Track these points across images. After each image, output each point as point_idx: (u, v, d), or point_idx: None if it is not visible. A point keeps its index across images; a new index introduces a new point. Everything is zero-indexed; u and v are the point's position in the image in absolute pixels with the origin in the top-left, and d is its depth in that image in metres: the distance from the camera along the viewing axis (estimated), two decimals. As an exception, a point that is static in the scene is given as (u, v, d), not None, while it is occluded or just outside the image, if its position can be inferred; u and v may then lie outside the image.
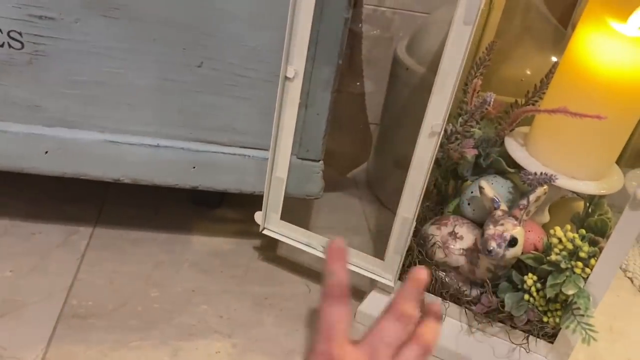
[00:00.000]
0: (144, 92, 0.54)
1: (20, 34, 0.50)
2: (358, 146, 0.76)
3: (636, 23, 0.48)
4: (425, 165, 0.50)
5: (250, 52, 0.53)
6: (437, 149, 0.49)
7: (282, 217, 0.60)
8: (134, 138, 0.56)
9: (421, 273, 0.37)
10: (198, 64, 0.53)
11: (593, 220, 0.54)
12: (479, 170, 0.59)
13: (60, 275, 0.59)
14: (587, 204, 0.56)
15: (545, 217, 0.59)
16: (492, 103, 0.52)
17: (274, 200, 0.59)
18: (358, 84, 0.79)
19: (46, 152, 0.55)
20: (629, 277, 0.76)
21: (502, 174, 0.58)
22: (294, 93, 0.53)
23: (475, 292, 0.56)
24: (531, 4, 0.71)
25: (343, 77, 0.71)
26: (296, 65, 0.51)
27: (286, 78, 0.52)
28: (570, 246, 0.50)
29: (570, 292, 0.49)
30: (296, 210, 0.74)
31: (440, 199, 0.65)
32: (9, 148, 0.55)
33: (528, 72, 0.69)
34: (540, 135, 0.55)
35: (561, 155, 0.54)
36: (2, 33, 0.50)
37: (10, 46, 0.51)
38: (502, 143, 0.58)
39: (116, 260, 0.63)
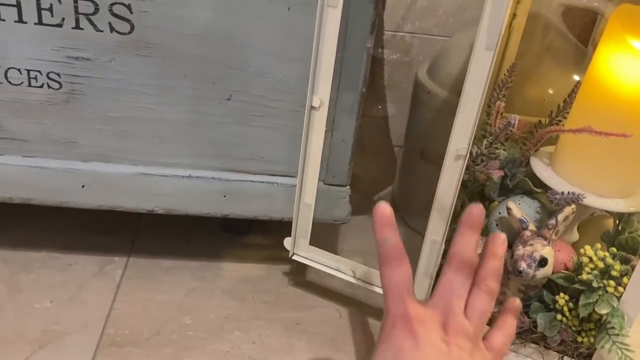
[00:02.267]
0: (175, 125, 0.56)
1: (58, 74, 0.53)
2: (382, 169, 0.77)
3: (657, 41, 0.49)
4: (452, 188, 0.51)
5: (276, 84, 0.55)
6: (463, 171, 0.50)
7: (310, 242, 0.61)
8: (166, 170, 0.58)
9: (476, 211, 0.36)
10: (227, 97, 0.55)
11: (624, 238, 0.53)
12: (506, 191, 0.60)
13: (97, 305, 0.60)
14: (617, 222, 0.56)
15: (575, 236, 0.59)
16: (516, 125, 0.52)
17: (303, 226, 0.60)
18: (380, 107, 0.81)
19: (83, 187, 0.57)
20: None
21: (529, 194, 0.58)
22: (319, 121, 0.54)
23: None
24: (550, 24, 0.72)
25: (365, 102, 0.72)
26: (321, 95, 0.53)
27: (312, 107, 0.53)
28: (601, 265, 0.50)
29: (603, 312, 0.48)
30: (324, 235, 0.75)
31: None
32: (48, 183, 0.57)
33: (550, 92, 0.69)
34: (566, 155, 0.56)
35: (588, 173, 0.54)
36: (42, 75, 0.52)
37: (49, 87, 0.53)
38: (528, 163, 0.58)
39: (150, 289, 0.64)
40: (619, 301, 0.49)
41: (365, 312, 0.65)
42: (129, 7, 0.50)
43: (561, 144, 0.56)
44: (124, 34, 0.51)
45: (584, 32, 0.78)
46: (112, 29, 0.51)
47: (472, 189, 0.61)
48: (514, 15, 0.62)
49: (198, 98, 0.55)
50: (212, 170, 0.59)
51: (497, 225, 0.58)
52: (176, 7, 0.51)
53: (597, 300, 0.49)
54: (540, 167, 0.57)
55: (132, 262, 0.68)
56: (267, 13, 0.52)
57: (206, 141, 0.57)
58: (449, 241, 0.57)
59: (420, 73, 0.78)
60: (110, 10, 0.50)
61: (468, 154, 0.49)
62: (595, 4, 0.72)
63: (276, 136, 0.57)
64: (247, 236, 0.74)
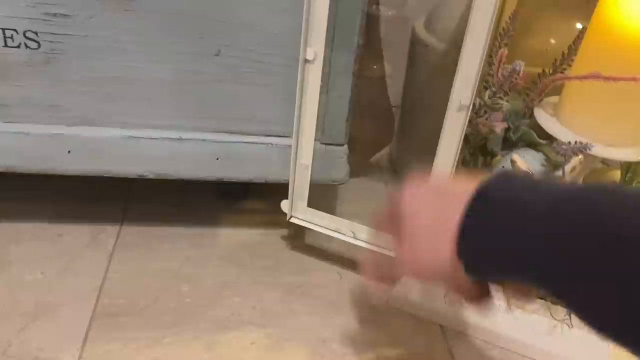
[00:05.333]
0: (162, 85, 0.54)
1: (36, 33, 0.50)
2: (381, 130, 0.75)
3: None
4: (455, 141, 0.49)
5: (267, 37, 0.52)
6: (466, 123, 0.48)
7: (309, 205, 0.59)
8: (155, 132, 0.56)
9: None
10: (215, 53, 0.52)
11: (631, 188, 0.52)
12: (509, 144, 0.58)
13: (90, 275, 0.59)
14: (625, 172, 0.54)
15: (580, 189, 0.57)
16: (521, 71, 0.50)
17: (300, 188, 0.58)
18: (376, 67, 0.78)
19: (69, 152, 0.55)
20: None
21: (534, 146, 0.56)
22: (314, 76, 0.51)
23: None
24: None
25: (362, 61, 0.69)
26: (315, 47, 0.50)
27: (306, 61, 0.51)
28: (610, 216, 0.48)
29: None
30: (321, 198, 0.73)
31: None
32: (32, 150, 0.54)
33: (553, 41, 0.67)
34: (571, 104, 0.54)
35: (595, 122, 0.52)
36: (18, 34, 0.49)
37: (27, 46, 0.50)
38: (532, 115, 0.56)
39: (145, 257, 0.62)
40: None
41: (366, 274, 0.63)
42: (107, -43, 0.47)
43: (566, 94, 0.54)
44: (104, -13, 0.48)
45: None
46: (90, -18, 0.48)
47: (474, 143, 0.58)
48: (514, -41, 0.59)
49: (185, 54, 0.52)
50: (203, 132, 0.56)
51: (501, 179, 0.56)
52: (157, -44, 0.48)
53: (606, 252, 0.47)
54: (544, 118, 0.55)
55: (124, 231, 0.66)
56: (256, -40, 0.48)
57: (196, 101, 0.55)
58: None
59: (417, 27, 0.75)
60: (87, -38, 0.47)
61: (471, 105, 0.47)
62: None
63: (269, 94, 0.55)
64: (243, 201, 0.72)
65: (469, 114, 0.50)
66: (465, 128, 0.48)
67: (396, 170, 0.84)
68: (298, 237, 0.68)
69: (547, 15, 0.67)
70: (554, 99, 0.57)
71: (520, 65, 0.50)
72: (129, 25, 0.50)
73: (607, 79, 0.47)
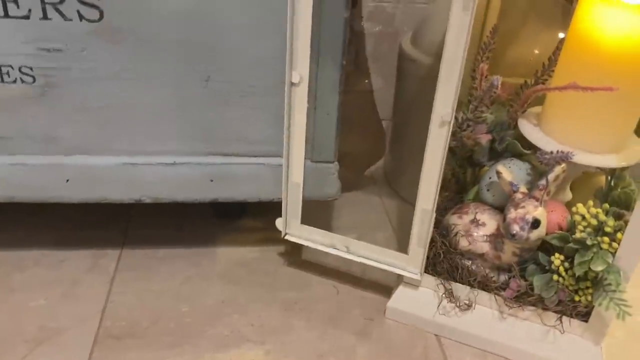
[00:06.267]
0: (155, 111, 0.55)
1: (31, 68, 0.51)
2: (372, 143, 0.76)
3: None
4: (439, 156, 0.50)
5: (254, 62, 0.53)
6: (449, 138, 0.49)
7: (304, 220, 0.61)
8: (150, 158, 0.57)
9: None
10: (205, 79, 0.54)
11: (616, 194, 0.53)
12: (495, 154, 0.59)
13: (93, 299, 0.60)
14: (609, 178, 0.55)
15: (568, 195, 0.58)
16: (499, 86, 0.51)
17: (293, 206, 0.59)
18: (366, 81, 0.79)
19: (67, 181, 0.57)
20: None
21: (519, 156, 0.57)
22: (301, 98, 0.53)
23: (503, 278, 0.56)
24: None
25: (350, 77, 0.71)
26: (300, 70, 0.52)
27: (292, 84, 0.52)
28: (594, 222, 0.50)
29: (599, 269, 0.48)
30: (317, 213, 0.75)
31: (459, 188, 0.64)
32: (30, 180, 0.56)
33: (536, 52, 0.68)
34: (553, 114, 0.55)
35: (577, 131, 0.53)
36: (13, 69, 0.51)
37: (22, 81, 0.52)
38: (516, 125, 0.58)
39: (145, 279, 0.64)
40: (614, 257, 0.49)
41: (362, 286, 0.65)
42: (96, -8, 0.49)
43: (548, 103, 0.55)
44: (94, 21, 0.50)
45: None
46: (81, 17, 0.50)
47: (461, 155, 0.60)
48: (493, -25, 0.61)
49: (176, 81, 0.54)
50: (196, 156, 0.58)
51: (487, 190, 0.57)
52: (143, -10, 0.49)
53: (592, 257, 0.49)
54: (528, 128, 0.56)
55: (125, 254, 0.67)
56: (239, -11, 0.50)
57: (188, 126, 0.56)
58: (439, 209, 0.57)
59: (404, 42, 0.77)
60: (77, -2, 0.49)
61: (453, 120, 0.49)
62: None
63: (259, 116, 0.56)
64: (240, 220, 0.74)
65: (452, 128, 0.52)
66: (448, 142, 0.49)
67: (390, 182, 0.85)
68: (295, 253, 0.69)
69: (530, 26, 0.69)
70: (537, 109, 0.58)
71: (498, 79, 0.52)
72: (120, 56, 0.52)
73: (584, 89, 0.49)
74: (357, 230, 0.73)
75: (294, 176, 0.57)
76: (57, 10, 0.49)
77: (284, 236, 0.61)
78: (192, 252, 0.68)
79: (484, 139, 0.56)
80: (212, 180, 0.58)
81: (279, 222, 0.61)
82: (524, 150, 0.56)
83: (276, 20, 0.51)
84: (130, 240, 0.69)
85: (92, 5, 0.49)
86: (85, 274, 0.64)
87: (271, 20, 0.51)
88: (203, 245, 0.69)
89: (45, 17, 0.49)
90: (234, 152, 0.58)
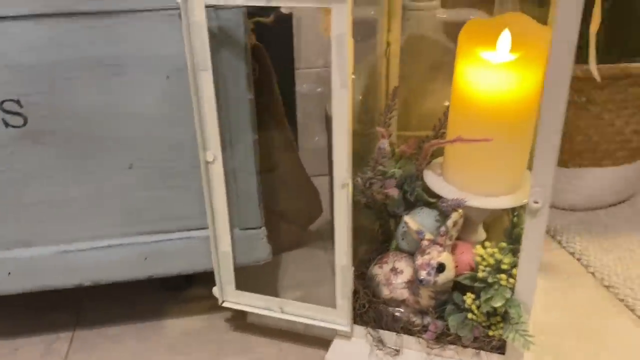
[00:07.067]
0: (87, 201, 0.60)
1: (-37, 174, 0.56)
2: (307, 201, 0.81)
3: (504, 47, 0.54)
4: (345, 215, 0.55)
5: (173, 146, 0.58)
6: (350, 198, 0.54)
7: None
8: (86, 244, 0.61)
9: None
10: (129, 166, 0.59)
11: (517, 231, 0.57)
12: (409, 205, 0.63)
13: (44, 384, 0.63)
14: (511, 217, 0.59)
15: (481, 236, 0.62)
16: (386, 148, 0.56)
17: (226, 273, 0.63)
18: (292, 143, 0.83)
19: (9, 274, 0.60)
20: (591, 272, 0.78)
21: (428, 205, 0.62)
22: (217, 174, 0.58)
23: (427, 320, 0.59)
24: (437, 42, 0.76)
25: (275, 142, 0.76)
26: (213, 150, 0.56)
27: (207, 162, 0.57)
28: (492, 261, 0.54)
29: (497, 305, 0.52)
30: (263, 275, 0.78)
31: (386, 238, 0.68)
32: (-26, 277, 0.59)
33: (446, 104, 0.74)
34: (451, 164, 0.60)
35: (473, 177, 0.58)
36: (-52, 178, 0.56)
37: (-43, 187, 0.56)
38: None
39: (97, 358, 0.66)
40: (513, 292, 0.53)
41: (304, 343, 0.68)
42: (18, 102, 0.54)
43: (446, 154, 0.60)
44: (19, 126, 0.55)
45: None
46: (6, 124, 0.55)
47: (378, 208, 0.64)
48: (387, 44, 0.67)
49: (102, 172, 0.58)
50: (128, 237, 0.62)
51: (402, 239, 0.61)
52: (63, 94, 0.55)
53: (493, 295, 0.52)
54: (432, 178, 0.61)
55: (77, 335, 0.70)
56: (149, 84, 0.56)
57: (118, 211, 0.60)
58: (365, 262, 0.61)
59: (328, 105, 0.83)
60: (1, 107, 0.54)
61: (351, 182, 0.53)
62: (472, 17, 0.77)
63: (183, 194, 0.61)
64: (188, 290, 0.77)
65: (360, 186, 0.56)
66: (351, 202, 0.54)
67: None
68: (240, 318, 0.72)
69: (436, 81, 0.75)
70: (441, 159, 0.63)
71: (385, 143, 0.57)
72: (47, 155, 0.57)
73: (466, 141, 0.54)
74: (303, 287, 0.77)
75: (222, 246, 0.61)
76: (-16, 120, 0.54)
77: (222, 303, 0.65)
78: (141, 326, 0.71)
79: (393, 192, 0.60)
80: (146, 259, 0.62)
81: (216, 291, 0.64)
82: (430, 199, 0.61)
83: (186, 108, 0.56)
84: (82, 321, 0.72)
85: (16, 113, 0.54)
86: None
87: (182, 109, 0.57)
88: (153, 319, 0.72)
89: (-27, 127, 0.54)
90: (164, 229, 0.62)
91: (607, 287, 0.75)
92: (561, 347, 0.65)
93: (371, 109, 0.73)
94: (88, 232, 0.61)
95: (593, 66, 0.48)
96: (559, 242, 0.85)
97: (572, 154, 0.88)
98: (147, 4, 0.52)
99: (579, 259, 0.81)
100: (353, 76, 0.87)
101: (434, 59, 0.75)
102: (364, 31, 0.84)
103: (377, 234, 0.68)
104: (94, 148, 0.57)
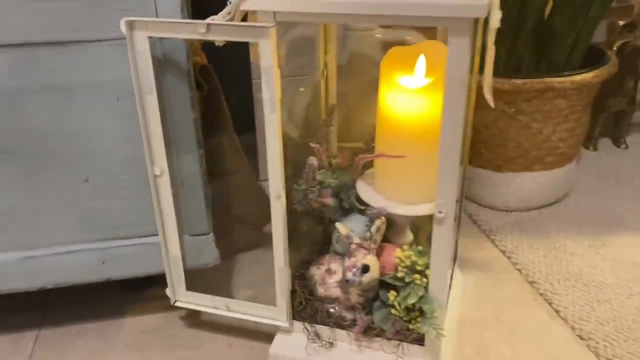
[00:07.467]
0: (47, 211, 0.65)
1: None
2: (257, 204, 0.87)
3: (420, 72, 0.61)
4: (280, 223, 0.61)
5: (123, 161, 0.64)
6: (285, 208, 0.60)
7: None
8: (46, 250, 0.67)
9: None
10: (85, 179, 0.64)
11: (436, 235, 0.64)
12: (345, 211, 0.70)
13: (10, 379, 0.68)
14: (413, 229, 0.67)
15: (407, 238, 0.69)
16: (315, 165, 0.63)
17: (177, 276, 0.69)
18: (241, 152, 0.89)
19: (-25, 278, 0.66)
20: (518, 269, 0.85)
21: (360, 212, 0.68)
22: (165, 186, 0.64)
23: (357, 316, 0.66)
24: (375, 61, 0.83)
25: (225, 152, 0.82)
26: (161, 164, 0.62)
27: (155, 176, 0.63)
28: (408, 262, 0.60)
29: (411, 302, 0.58)
30: (219, 274, 0.84)
31: (328, 242, 0.75)
32: (-58, 282, 0.65)
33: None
34: (380, 174, 0.66)
35: (397, 187, 0.64)
36: None
37: None
38: (358, 186, 0.69)
39: (60, 355, 0.72)
40: (426, 290, 0.60)
41: (253, 338, 0.74)
42: (-22, 123, 0.60)
43: (375, 166, 0.67)
44: (-20, 146, 0.60)
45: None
46: (-31, 144, 0.60)
47: (317, 215, 0.71)
48: (325, 65, 0.73)
49: (60, 185, 0.64)
50: (87, 243, 0.67)
51: (337, 242, 0.68)
52: (23, 116, 0.60)
53: (409, 293, 0.59)
54: (363, 188, 0.67)
55: (42, 334, 0.76)
56: (101, 105, 0.61)
57: (77, 219, 0.66)
58: (305, 263, 0.68)
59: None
60: (-36, 129, 0.59)
61: (284, 193, 0.60)
62: (407, 37, 0.84)
63: (136, 203, 0.67)
64: (147, 290, 0.83)
65: (299, 196, 0.63)
66: (285, 211, 0.60)
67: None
68: (195, 315, 0.78)
69: (373, 96, 0.81)
70: (372, 170, 0.70)
71: (313, 160, 0.63)
72: (7, 170, 0.62)
73: (386, 156, 0.61)
74: (255, 287, 0.83)
75: (172, 250, 0.67)
76: (-52, 140, 0.59)
77: (174, 303, 0.71)
78: (103, 324, 0.77)
79: (329, 201, 0.67)
80: (103, 263, 0.68)
81: (169, 291, 0.70)
82: (360, 207, 0.67)
83: (138, 128, 0.62)
84: (47, 321, 0.78)
85: (-26, 144, 0.60)
86: (5, 356, 0.71)
87: (132, 127, 0.62)
88: (113, 318, 0.78)
89: (-62, 147, 0.59)
90: (119, 236, 0.68)
91: (531, 282, 0.82)
92: (482, 338, 0.73)
93: (313, 121, 0.80)
94: (49, 239, 0.67)
95: (489, 97, 0.55)
96: (493, 241, 0.92)
97: (505, 160, 0.95)
98: (97, 35, 0.58)
99: (509, 257, 0.88)
100: (302, 89, 0.93)
101: (372, 76, 0.81)
102: (308, 47, 0.90)
103: (319, 238, 0.75)
104: (52, 164, 0.63)
